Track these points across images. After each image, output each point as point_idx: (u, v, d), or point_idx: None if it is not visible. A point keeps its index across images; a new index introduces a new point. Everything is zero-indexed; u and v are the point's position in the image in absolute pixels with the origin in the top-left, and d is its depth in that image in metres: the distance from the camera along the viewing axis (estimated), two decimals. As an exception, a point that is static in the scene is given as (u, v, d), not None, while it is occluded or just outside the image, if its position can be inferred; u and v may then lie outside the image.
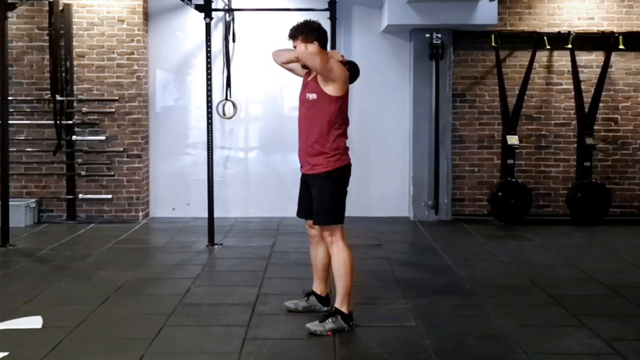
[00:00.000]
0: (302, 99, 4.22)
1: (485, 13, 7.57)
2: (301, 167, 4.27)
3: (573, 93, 8.07)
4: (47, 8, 7.63)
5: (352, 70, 4.25)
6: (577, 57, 7.95)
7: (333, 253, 4.13)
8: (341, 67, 4.10)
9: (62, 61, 7.74)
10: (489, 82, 8.18)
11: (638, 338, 4.00)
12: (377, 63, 8.20)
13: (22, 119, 7.84)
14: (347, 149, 4.20)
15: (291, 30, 4.14)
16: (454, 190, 8.22)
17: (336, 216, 4.12)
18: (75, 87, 7.87)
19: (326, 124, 4.08)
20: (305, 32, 4.10)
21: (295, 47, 4.14)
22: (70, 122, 7.83)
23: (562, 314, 4.45)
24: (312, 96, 4.12)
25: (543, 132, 8.23)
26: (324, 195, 4.10)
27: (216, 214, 6.68)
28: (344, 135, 4.18)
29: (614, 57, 8.05)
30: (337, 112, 4.09)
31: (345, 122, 4.18)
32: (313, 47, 4.04)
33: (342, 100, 4.12)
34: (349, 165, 4.20)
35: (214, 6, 6.71)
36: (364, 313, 4.34)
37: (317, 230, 4.27)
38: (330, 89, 4.06)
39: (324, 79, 4.06)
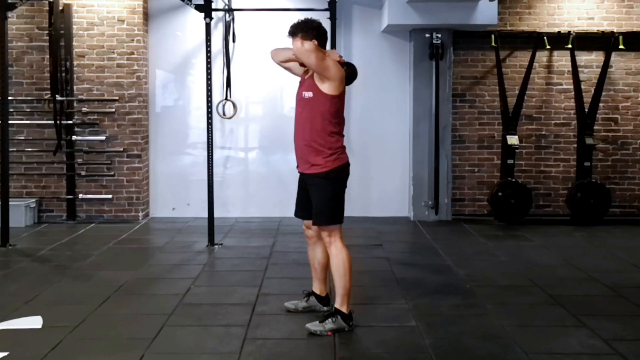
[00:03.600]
0: (299, 98, 4.22)
1: (485, 13, 7.57)
2: (298, 166, 4.26)
3: (573, 93, 8.07)
4: (47, 8, 7.63)
5: (349, 72, 4.24)
6: (577, 57, 7.95)
7: (331, 253, 4.12)
8: (337, 66, 4.09)
9: (62, 61, 7.74)
10: (489, 82, 8.18)
11: (638, 338, 4.00)
12: (377, 63, 8.21)
13: (22, 119, 7.84)
14: (344, 147, 4.19)
15: (291, 27, 4.15)
16: (454, 190, 8.22)
17: (335, 216, 4.12)
18: (75, 87, 7.87)
19: (322, 122, 4.07)
20: (305, 29, 4.10)
21: (293, 44, 4.14)
22: (70, 122, 7.83)
23: (562, 314, 4.45)
24: (308, 94, 4.12)
25: (543, 132, 8.23)
26: (322, 195, 4.10)
27: (216, 214, 6.68)
28: (341, 134, 4.18)
29: (614, 57, 8.05)
30: (333, 110, 4.09)
31: (341, 121, 4.18)
32: (309, 44, 4.04)
33: (338, 100, 4.11)
34: (348, 164, 4.20)
35: (214, 6, 6.71)
36: (364, 313, 4.34)
37: (315, 230, 4.27)
38: (326, 87, 4.06)
39: (320, 77, 4.06)
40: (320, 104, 4.08)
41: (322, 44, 4.15)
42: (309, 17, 4.22)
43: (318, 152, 4.08)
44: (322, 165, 4.08)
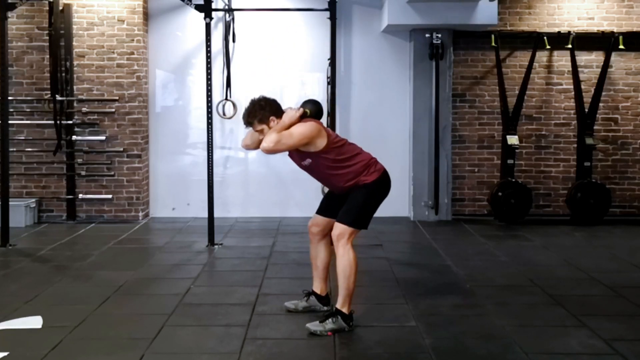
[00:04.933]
0: (300, 166, 4.22)
1: (485, 13, 7.57)
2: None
3: (573, 93, 8.07)
4: (47, 8, 7.63)
5: (315, 111, 4.20)
6: (577, 57, 7.95)
7: (339, 253, 4.08)
8: (306, 125, 4.02)
9: (62, 61, 7.74)
10: (489, 82, 8.18)
11: (638, 338, 4.00)
12: (377, 63, 8.21)
13: (22, 119, 7.84)
14: (373, 160, 4.18)
15: (243, 119, 4.12)
16: (454, 190, 8.22)
17: (360, 220, 4.09)
18: (75, 87, 7.87)
19: (337, 169, 4.08)
20: (257, 115, 4.04)
21: (256, 131, 4.07)
22: (70, 122, 7.83)
23: (562, 314, 4.45)
24: (306, 162, 4.13)
25: (543, 132, 8.23)
26: (358, 198, 4.08)
27: (216, 214, 6.68)
28: (359, 154, 4.16)
29: (614, 57, 8.05)
30: (335, 155, 4.07)
31: (349, 149, 4.15)
32: (271, 138, 3.92)
33: (332, 143, 4.07)
34: (385, 172, 4.18)
35: (214, 6, 6.71)
36: (364, 313, 4.34)
37: (320, 226, 4.27)
38: (314, 147, 4.03)
39: (302, 147, 4.04)
40: (322, 161, 4.08)
41: (277, 112, 4.07)
42: (253, 98, 4.13)
43: (354, 181, 4.09)
44: (362, 181, 4.09)
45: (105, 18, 7.84)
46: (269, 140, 3.94)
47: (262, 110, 4.05)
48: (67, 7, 7.77)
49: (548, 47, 7.95)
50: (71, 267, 5.72)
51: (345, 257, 4.05)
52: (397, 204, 8.23)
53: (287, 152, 4.17)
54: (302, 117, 4.10)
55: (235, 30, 8.07)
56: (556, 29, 8.02)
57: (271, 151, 3.98)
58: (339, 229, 4.07)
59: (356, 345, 3.90)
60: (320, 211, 4.37)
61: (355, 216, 4.08)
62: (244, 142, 4.31)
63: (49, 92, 7.69)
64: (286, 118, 4.06)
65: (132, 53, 7.87)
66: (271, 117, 4.04)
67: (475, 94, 8.23)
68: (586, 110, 7.92)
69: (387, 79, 8.24)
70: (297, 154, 4.12)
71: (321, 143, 4.03)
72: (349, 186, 4.12)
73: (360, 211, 4.09)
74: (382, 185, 4.16)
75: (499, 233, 7.38)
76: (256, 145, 4.15)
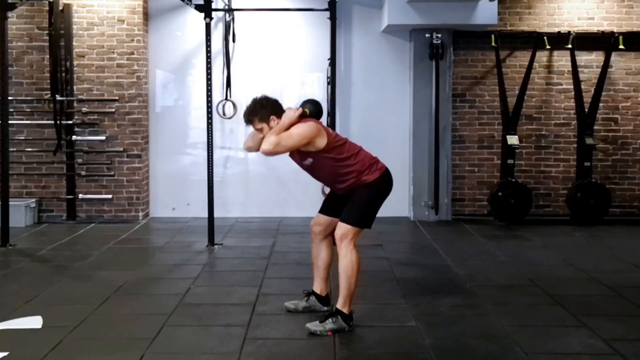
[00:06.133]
0: (301, 166, 4.22)
1: (485, 13, 7.57)
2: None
3: (573, 93, 8.07)
4: (47, 8, 7.63)
5: (315, 111, 4.19)
6: (577, 57, 7.95)
7: (341, 253, 4.07)
8: (305, 125, 4.01)
9: (62, 61, 7.74)
10: (489, 82, 8.19)
11: (638, 338, 4.00)
12: (377, 63, 8.21)
13: (22, 119, 7.84)
14: (374, 159, 4.18)
15: (244, 117, 4.12)
16: (454, 190, 8.22)
17: (364, 220, 4.10)
18: (75, 87, 7.87)
19: (340, 168, 4.08)
20: (258, 113, 4.05)
21: (257, 129, 4.08)
22: (70, 122, 7.83)
23: (562, 314, 4.45)
24: (307, 162, 4.13)
25: (543, 132, 8.23)
26: (361, 198, 4.08)
27: (216, 214, 6.68)
28: (360, 152, 4.16)
29: (614, 57, 8.05)
30: (337, 154, 4.07)
31: (351, 147, 4.15)
32: (271, 140, 3.92)
33: (332, 142, 4.07)
34: (387, 171, 4.19)
35: (214, 6, 6.71)
36: (364, 313, 4.34)
37: (323, 225, 4.27)
38: (314, 147, 4.02)
39: (302, 147, 4.04)
40: (323, 160, 4.08)
41: (278, 112, 4.08)
42: (254, 97, 4.14)
43: (356, 180, 4.09)
44: (364, 180, 4.08)
45: (105, 18, 7.84)
46: (269, 142, 3.93)
47: (263, 109, 4.06)
48: (67, 7, 7.77)
49: (548, 47, 7.95)
50: (71, 267, 5.72)
51: (347, 257, 4.05)
52: (397, 204, 8.23)
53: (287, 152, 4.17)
54: (302, 117, 4.10)
55: (235, 30, 8.07)
56: (556, 29, 8.03)
57: (271, 153, 3.97)
58: (343, 229, 4.06)
59: (356, 345, 3.90)
60: (323, 211, 4.36)
61: (359, 216, 4.08)
62: (246, 144, 4.31)
63: (49, 92, 7.69)
64: (285, 119, 4.05)
65: (132, 53, 7.87)
66: (272, 117, 4.04)
67: (475, 94, 8.23)
68: (586, 110, 7.92)
69: (387, 79, 8.24)
70: (298, 154, 4.12)
71: (321, 142, 4.02)
72: (350, 185, 4.11)
73: (364, 210, 4.10)
74: (384, 183, 4.16)
75: (499, 233, 7.38)
76: (258, 147, 4.13)
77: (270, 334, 4.06)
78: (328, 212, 4.31)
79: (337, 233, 4.09)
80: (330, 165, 4.09)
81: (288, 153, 4.16)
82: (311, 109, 4.19)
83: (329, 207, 4.33)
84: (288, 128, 4.00)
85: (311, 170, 4.22)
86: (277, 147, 3.94)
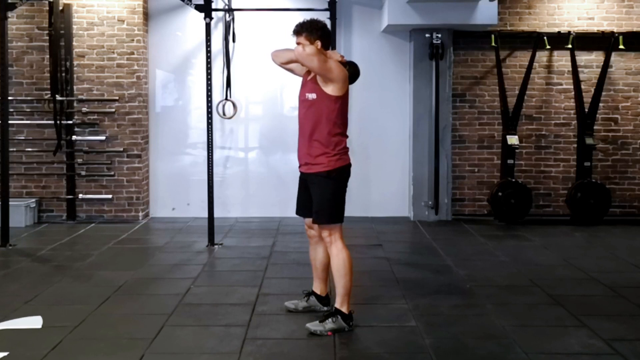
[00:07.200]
0: (302, 99, 4.22)
1: (485, 13, 7.57)
2: (300, 166, 4.27)
3: (573, 93, 8.07)
4: (47, 8, 7.63)
5: (351, 71, 4.26)
6: (577, 57, 7.95)
7: (332, 253, 4.13)
8: (340, 67, 4.10)
9: (62, 61, 7.74)
10: (489, 82, 8.18)
11: (638, 338, 4.00)
12: (377, 63, 8.21)
13: (22, 119, 7.84)
14: (347, 149, 4.21)
15: (296, 26, 4.16)
16: (454, 190, 8.22)
17: (335, 215, 4.13)
18: (75, 87, 7.87)
19: (326, 123, 4.08)
20: (309, 29, 4.11)
21: (298, 43, 4.13)
22: (70, 122, 7.83)
23: (562, 314, 4.45)
24: (311, 96, 4.12)
25: (543, 132, 8.23)
26: (324, 194, 4.11)
27: (216, 214, 6.68)
28: (344, 135, 4.19)
29: (614, 57, 8.05)
30: (337, 111, 4.10)
31: (345, 122, 4.19)
32: (310, 48, 4.03)
33: (342, 100, 4.13)
34: (349, 165, 4.21)
35: (214, 6, 6.71)
36: (364, 313, 4.34)
37: (316, 230, 4.27)
38: (330, 89, 4.07)
39: (323, 79, 4.07)
40: (324, 105, 4.09)
41: (325, 46, 4.16)
42: (315, 18, 4.22)
43: (322, 153, 4.09)
44: (324, 165, 4.09)
45: (105, 18, 7.84)
46: (309, 50, 4.01)
47: (317, 30, 4.12)
48: (67, 7, 7.77)
49: (548, 47, 7.95)
50: (71, 267, 5.72)
51: (339, 256, 4.09)
52: (397, 204, 8.26)
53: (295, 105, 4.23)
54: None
55: (235, 30, 8.07)
56: (556, 29, 8.03)
57: (302, 59, 4.02)
58: (322, 231, 4.14)
59: (356, 345, 3.90)
60: (301, 213, 4.36)
61: (329, 213, 4.10)
62: (274, 52, 4.33)
63: (49, 92, 7.69)
64: (330, 52, 4.18)
65: (132, 53, 7.87)
66: (317, 41, 4.10)
67: (475, 94, 8.23)
68: (586, 110, 7.92)
69: (387, 79, 8.24)
70: (312, 82, 4.14)
71: (338, 89, 4.07)
72: (318, 160, 4.09)
73: (333, 206, 4.11)
74: (343, 176, 4.17)
75: (499, 233, 7.38)
76: (282, 61, 4.25)
77: (270, 334, 4.06)
78: (305, 214, 4.32)
79: (322, 236, 4.16)
80: (325, 113, 4.07)
81: (301, 83, 4.24)
82: (349, 70, 4.23)
83: (304, 209, 4.31)
84: (326, 60, 4.05)
85: (305, 109, 4.17)
86: (311, 58, 3.98)
